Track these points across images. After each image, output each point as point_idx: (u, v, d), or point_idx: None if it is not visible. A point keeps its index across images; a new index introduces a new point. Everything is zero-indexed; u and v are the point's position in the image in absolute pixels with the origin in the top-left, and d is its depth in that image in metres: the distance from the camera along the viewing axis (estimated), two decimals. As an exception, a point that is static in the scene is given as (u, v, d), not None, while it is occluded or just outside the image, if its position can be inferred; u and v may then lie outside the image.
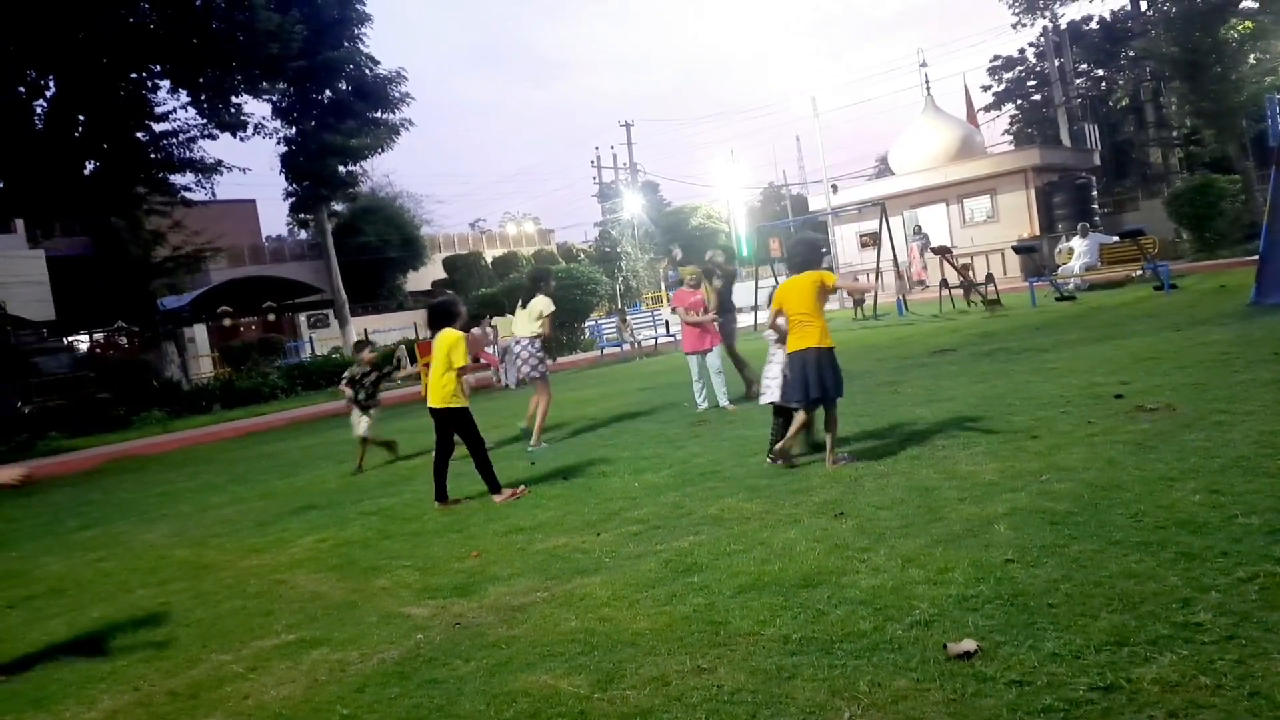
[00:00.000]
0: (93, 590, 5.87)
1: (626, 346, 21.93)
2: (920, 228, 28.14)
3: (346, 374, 9.51)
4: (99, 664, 4.35)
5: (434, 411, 6.75)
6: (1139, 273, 18.89)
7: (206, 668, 4.06)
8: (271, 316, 37.82)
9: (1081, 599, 3.32)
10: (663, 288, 35.55)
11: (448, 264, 44.18)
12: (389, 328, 35.92)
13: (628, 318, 22.97)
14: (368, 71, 29.29)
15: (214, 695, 3.72)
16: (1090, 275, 19.88)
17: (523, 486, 6.89)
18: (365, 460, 9.23)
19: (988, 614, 3.31)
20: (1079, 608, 3.24)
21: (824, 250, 9.23)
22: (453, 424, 6.74)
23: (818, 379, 5.94)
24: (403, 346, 23.53)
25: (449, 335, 6.71)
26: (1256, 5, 33.10)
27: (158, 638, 4.62)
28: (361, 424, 9.21)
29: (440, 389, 6.65)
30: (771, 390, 6.52)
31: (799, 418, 6.21)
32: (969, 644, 3.04)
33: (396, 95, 29.76)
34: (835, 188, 35.15)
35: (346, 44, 28.66)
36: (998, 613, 3.31)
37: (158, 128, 23.57)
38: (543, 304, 8.93)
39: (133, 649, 4.50)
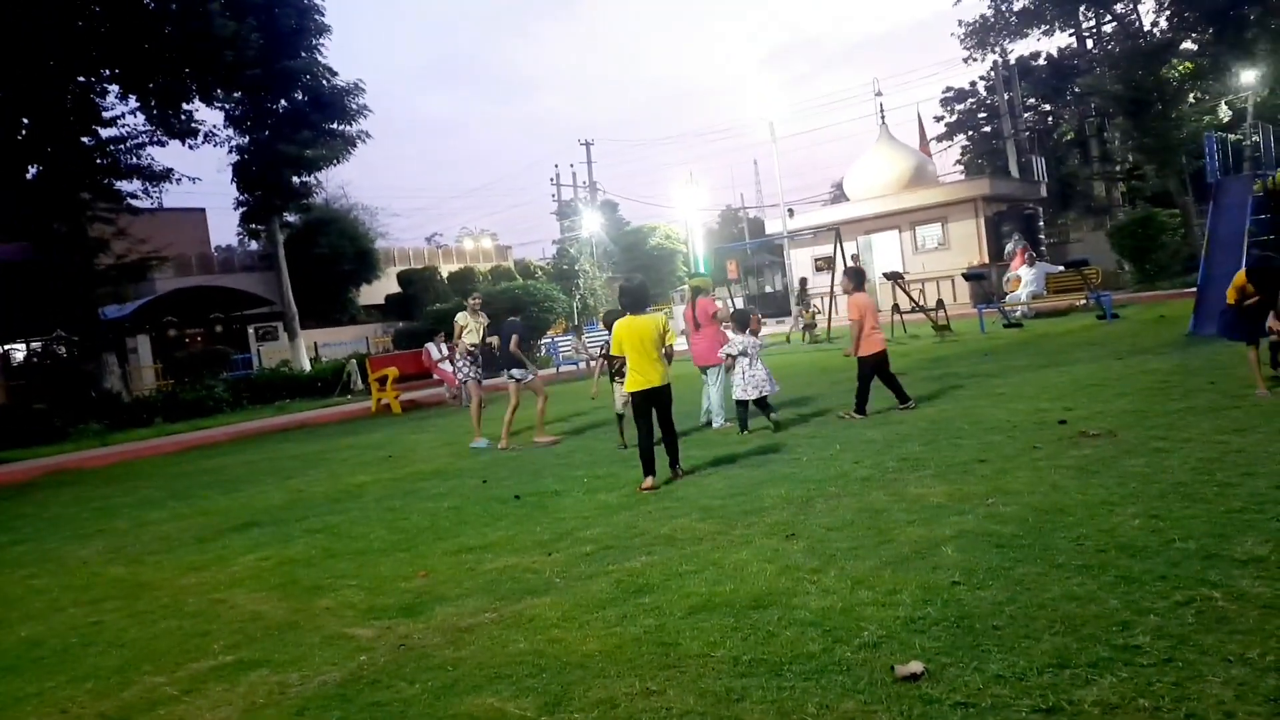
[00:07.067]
0: (22, 608, 5.65)
1: (582, 364, 21.88)
2: (1018, 235, 28.17)
3: None
4: (26, 684, 4.18)
5: (654, 391, 6.80)
6: (1083, 302, 19.42)
7: (139, 690, 3.92)
8: (219, 328, 37.07)
9: (1025, 621, 3.37)
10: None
11: (402, 278, 43.66)
12: (340, 341, 35.35)
13: (584, 335, 22.91)
14: (325, 83, 28.91)
15: (146, 718, 3.60)
16: (1036, 303, 20.39)
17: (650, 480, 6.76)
18: None
19: (935, 636, 3.34)
20: (1023, 630, 3.29)
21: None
22: (665, 399, 6.86)
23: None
24: (353, 361, 23.22)
25: (654, 319, 6.88)
26: (1195, 48, 34.48)
27: (89, 658, 4.46)
28: None
29: (656, 368, 6.78)
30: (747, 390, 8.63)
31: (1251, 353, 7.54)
32: (916, 666, 3.06)
33: (354, 107, 29.40)
34: (791, 211, 35.63)
35: (304, 54, 28.28)
36: (944, 635, 3.34)
37: (105, 133, 23.01)
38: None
39: (62, 669, 4.33)
